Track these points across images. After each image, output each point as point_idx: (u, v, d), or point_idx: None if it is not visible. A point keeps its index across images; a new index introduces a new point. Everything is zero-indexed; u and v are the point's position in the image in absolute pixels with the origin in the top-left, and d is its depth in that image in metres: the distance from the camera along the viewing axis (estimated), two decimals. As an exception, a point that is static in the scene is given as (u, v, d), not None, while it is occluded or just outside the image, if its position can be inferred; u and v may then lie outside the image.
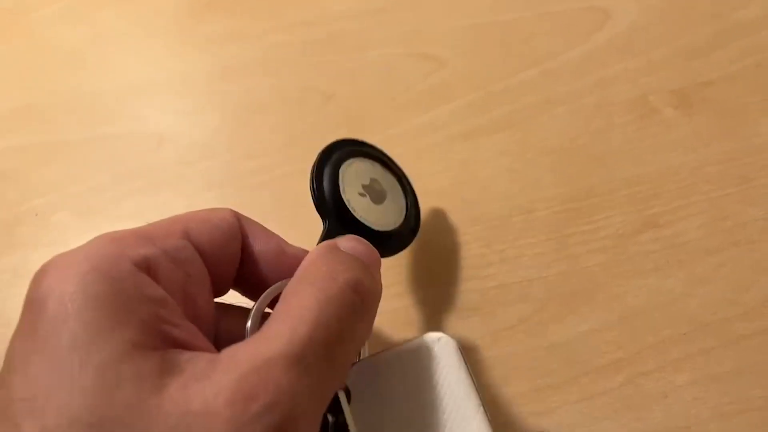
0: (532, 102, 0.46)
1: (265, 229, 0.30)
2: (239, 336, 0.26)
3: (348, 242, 0.29)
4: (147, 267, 0.24)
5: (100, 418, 0.20)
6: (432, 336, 0.30)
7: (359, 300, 0.26)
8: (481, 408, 0.29)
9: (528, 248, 0.40)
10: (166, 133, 0.50)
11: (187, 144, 0.49)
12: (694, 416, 0.34)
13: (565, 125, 0.45)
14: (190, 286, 0.26)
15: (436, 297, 0.39)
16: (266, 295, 0.27)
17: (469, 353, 0.36)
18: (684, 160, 0.42)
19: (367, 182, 0.35)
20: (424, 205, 0.40)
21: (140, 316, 0.22)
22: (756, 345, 0.35)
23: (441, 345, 0.30)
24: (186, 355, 0.23)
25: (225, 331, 0.29)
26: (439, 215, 0.42)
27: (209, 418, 0.21)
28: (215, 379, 0.21)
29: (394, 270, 0.40)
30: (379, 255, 0.30)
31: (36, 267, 0.40)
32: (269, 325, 0.24)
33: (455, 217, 0.42)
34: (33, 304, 0.23)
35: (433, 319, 0.38)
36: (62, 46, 0.56)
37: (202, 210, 0.29)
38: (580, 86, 0.46)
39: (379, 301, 0.28)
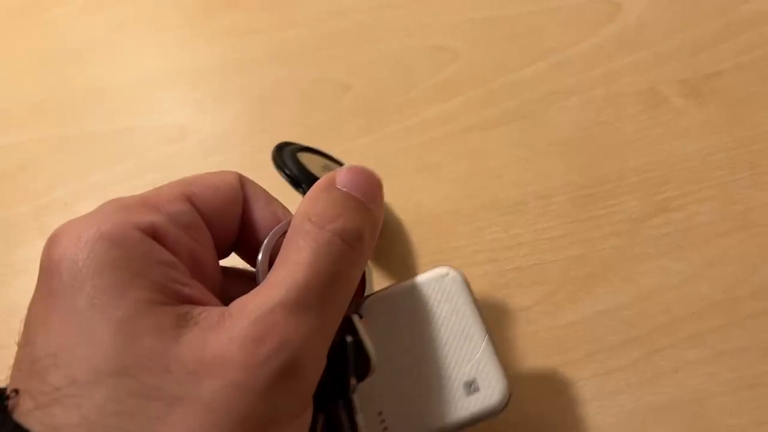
0: (544, 93, 0.47)
1: (267, 194, 0.31)
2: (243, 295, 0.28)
3: (345, 175, 0.29)
4: (153, 232, 0.25)
5: (124, 367, 0.22)
6: (440, 270, 0.32)
7: (347, 247, 0.26)
8: (487, 336, 0.30)
9: (544, 233, 0.41)
10: (185, 124, 0.51)
11: (206, 135, 0.50)
12: (704, 390, 0.35)
13: (577, 116, 0.46)
14: (196, 250, 0.27)
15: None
16: (272, 235, 0.29)
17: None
18: (694, 147, 0.43)
19: (322, 166, 0.38)
20: (439, 193, 0.42)
21: (151, 277, 0.24)
22: (763, 323, 0.37)
23: (449, 279, 0.31)
24: (198, 309, 0.24)
25: (230, 291, 0.30)
26: (453, 202, 0.43)
27: (224, 362, 0.22)
28: (227, 328, 0.23)
29: (413, 251, 0.42)
30: (379, 180, 0.29)
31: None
32: (271, 275, 0.26)
33: (470, 204, 0.43)
34: (48, 270, 0.24)
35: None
36: (80, 40, 0.57)
37: (206, 174, 0.30)
38: (591, 77, 0.48)
39: (376, 233, 0.29)
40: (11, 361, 0.38)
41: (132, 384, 0.22)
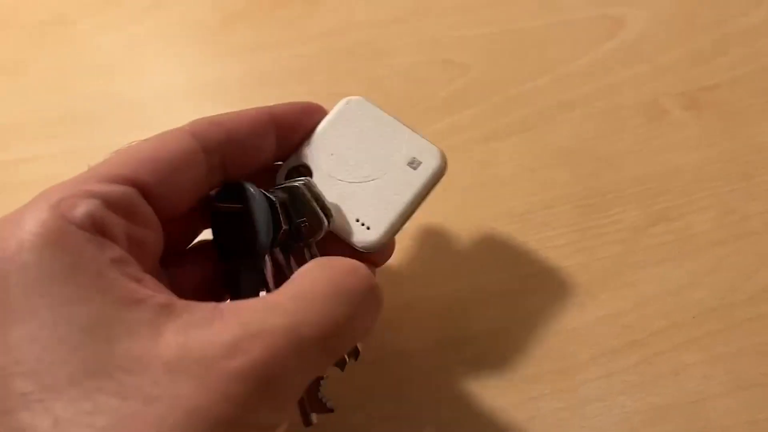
0: (548, 106, 0.49)
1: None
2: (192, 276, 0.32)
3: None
4: (93, 224, 0.24)
5: (100, 368, 0.21)
6: (341, 102, 0.37)
7: (371, 300, 0.27)
8: (403, 125, 0.36)
9: (548, 241, 0.43)
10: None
11: (224, 147, 0.52)
12: (703, 392, 0.37)
13: (580, 127, 0.48)
14: (136, 232, 0.26)
15: (462, 287, 0.42)
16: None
17: (492, 337, 0.40)
18: (691, 158, 0.45)
19: None
20: (447, 203, 0.44)
21: (110, 278, 0.23)
22: (758, 327, 0.39)
23: (352, 103, 0.37)
24: (182, 303, 0.24)
25: (179, 276, 0.31)
26: (460, 212, 0.45)
27: (205, 364, 0.22)
28: (216, 330, 0.23)
29: (417, 262, 0.44)
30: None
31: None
32: (278, 294, 0.25)
33: (476, 214, 0.45)
34: None
35: (458, 308, 0.41)
36: (102, 55, 0.59)
37: (152, 140, 0.29)
38: (593, 90, 0.50)
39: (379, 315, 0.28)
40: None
41: (108, 383, 0.21)
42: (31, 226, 0.23)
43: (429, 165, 0.35)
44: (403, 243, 0.44)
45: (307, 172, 0.35)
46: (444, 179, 0.46)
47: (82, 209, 0.24)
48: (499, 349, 0.39)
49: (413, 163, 0.35)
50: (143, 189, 0.27)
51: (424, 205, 0.46)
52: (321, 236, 0.32)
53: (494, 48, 0.53)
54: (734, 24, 0.51)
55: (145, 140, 0.29)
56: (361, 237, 0.34)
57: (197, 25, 0.59)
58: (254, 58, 0.57)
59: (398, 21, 0.56)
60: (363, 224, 0.34)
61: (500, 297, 0.41)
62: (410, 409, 0.38)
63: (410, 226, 0.45)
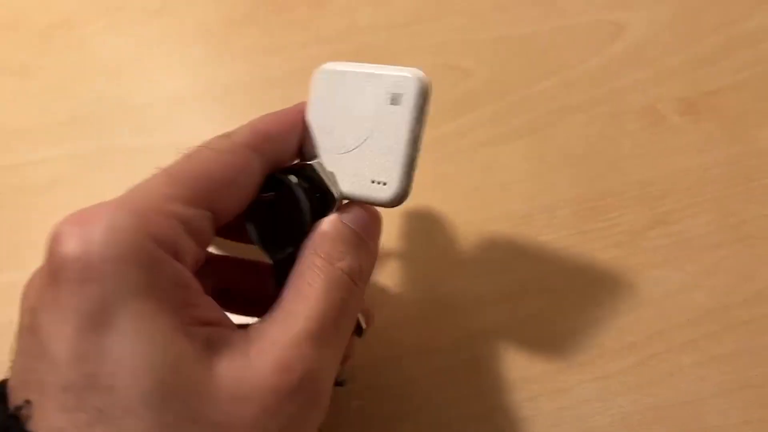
0: (550, 110, 0.50)
1: None
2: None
3: (351, 214, 0.31)
4: (170, 247, 0.25)
5: (170, 391, 0.23)
6: (313, 75, 0.35)
7: (353, 284, 0.29)
8: (377, 69, 0.34)
9: (548, 243, 0.43)
10: (211, 139, 0.53)
11: (231, 150, 0.53)
12: (699, 392, 0.38)
13: (582, 132, 0.48)
14: (199, 255, 0.28)
15: (463, 288, 0.43)
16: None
17: (493, 337, 0.40)
18: (691, 162, 0.46)
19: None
20: (449, 204, 0.44)
21: (177, 301, 0.24)
22: (754, 330, 0.39)
23: (322, 73, 0.35)
24: (218, 332, 0.25)
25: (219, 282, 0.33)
26: (462, 214, 0.46)
27: (260, 389, 0.24)
28: (256, 356, 0.25)
29: (418, 263, 0.44)
30: (380, 219, 0.33)
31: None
32: (287, 303, 0.28)
33: (478, 216, 0.45)
34: (64, 278, 0.23)
35: (459, 309, 0.42)
36: (109, 59, 0.60)
37: (222, 156, 0.29)
38: (595, 95, 0.50)
39: (373, 268, 0.32)
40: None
41: (180, 408, 0.22)
42: (116, 236, 0.24)
43: (409, 93, 0.33)
44: (404, 244, 0.45)
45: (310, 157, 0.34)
46: (446, 181, 0.46)
47: (166, 232, 0.25)
48: (498, 349, 0.40)
49: (395, 100, 0.33)
50: (217, 215, 0.28)
51: (426, 206, 0.47)
52: (335, 209, 0.32)
53: (498, 53, 0.54)
54: (735, 29, 0.51)
55: (211, 150, 0.29)
56: (384, 195, 0.32)
57: (203, 29, 0.60)
58: (260, 62, 0.57)
59: (403, 25, 0.56)
60: (380, 183, 0.33)
61: (500, 298, 0.42)
62: (410, 409, 0.39)
63: (412, 227, 0.46)
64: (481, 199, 0.46)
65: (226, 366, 0.24)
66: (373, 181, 0.33)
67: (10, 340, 0.43)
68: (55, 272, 0.24)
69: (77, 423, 0.22)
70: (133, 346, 0.23)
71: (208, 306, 0.26)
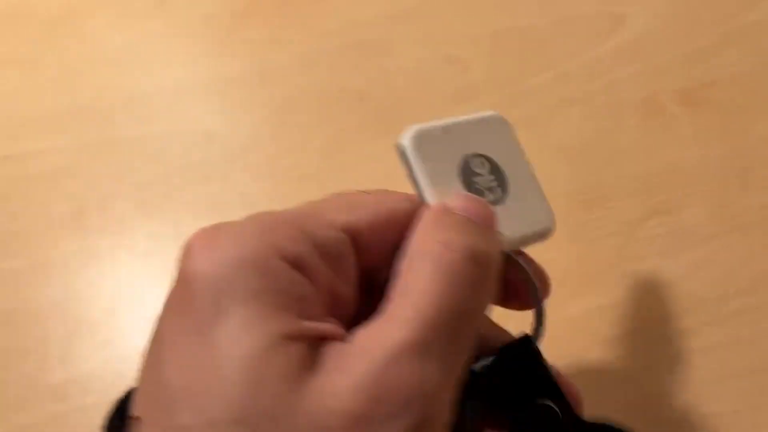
0: (550, 102, 0.50)
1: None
2: None
3: (459, 201, 0.27)
4: (298, 263, 0.23)
5: (248, 415, 0.20)
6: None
7: (480, 271, 0.24)
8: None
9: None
10: (212, 130, 0.54)
11: (231, 141, 0.53)
12: (697, 380, 0.38)
13: (580, 124, 0.49)
14: (335, 283, 0.25)
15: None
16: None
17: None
18: (688, 154, 0.46)
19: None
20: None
21: (288, 312, 0.22)
22: (748, 319, 0.40)
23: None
24: (325, 346, 0.22)
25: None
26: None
27: (349, 417, 0.20)
28: (348, 373, 0.21)
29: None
30: (493, 211, 0.28)
31: (103, 252, 0.45)
32: (391, 305, 0.23)
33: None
34: (184, 284, 0.23)
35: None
36: (113, 50, 0.60)
37: (374, 194, 0.27)
38: (593, 88, 0.51)
39: (498, 265, 0.26)
40: (55, 350, 0.42)
41: (266, 428, 0.20)
42: (239, 242, 0.23)
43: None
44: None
45: None
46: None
47: (294, 246, 0.23)
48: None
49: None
50: (356, 238, 0.25)
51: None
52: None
53: (497, 45, 0.54)
54: (734, 22, 0.52)
55: (366, 192, 0.27)
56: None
57: (206, 21, 0.60)
58: (262, 54, 0.58)
59: (403, 18, 0.57)
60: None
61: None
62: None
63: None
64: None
65: (319, 385, 0.21)
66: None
67: (11, 329, 0.44)
68: (180, 276, 0.23)
69: None
70: (228, 358, 0.21)
71: (331, 323, 0.23)
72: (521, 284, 0.29)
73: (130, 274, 0.47)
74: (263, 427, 0.20)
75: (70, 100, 0.57)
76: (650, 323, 0.40)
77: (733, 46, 0.51)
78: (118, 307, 0.45)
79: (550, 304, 0.41)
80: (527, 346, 0.29)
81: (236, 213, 0.46)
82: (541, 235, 0.32)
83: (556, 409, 0.27)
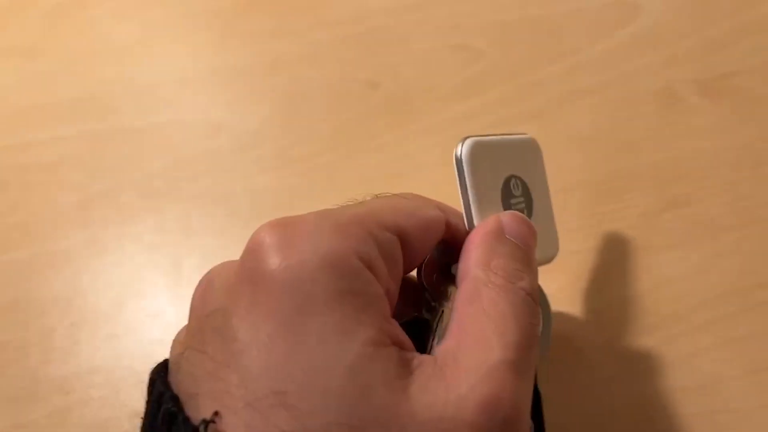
0: (562, 92, 0.50)
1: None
2: None
3: (512, 224, 0.29)
4: (368, 263, 0.24)
5: (359, 421, 0.20)
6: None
7: (534, 303, 0.26)
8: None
9: (564, 225, 0.43)
10: (219, 121, 0.53)
11: (238, 132, 0.52)
12: (716, 374, 0.37)
13: (593, 114, 0.48)
14: (389, 283, 0.26)
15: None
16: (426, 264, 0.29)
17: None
18: (705, 145, 0.45)
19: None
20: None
21: (374, 314, 0.23)
22: (770, 311, 0.39)
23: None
24: (409, 354, 0.23)
25: None
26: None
27: (460, 424, 0.21)
28: (452, 384, 0.22)
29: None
30: (536, 231, 0.30)
31: (109, 243, 0.45)
32: (471, 326, 0.25)
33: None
34: (263, 283, 0.22)
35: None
36: (117, 40, 0.60)
37: (412, 200, 0.29)
38: (608, 77, 0.50)
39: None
40: (60, 343, 0.41)
41: None
42: (316, 241, 0.23)
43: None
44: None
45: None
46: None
47: (363, 246, 0.24)
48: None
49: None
50: (404, 240, 0.27)
51: (438, 188, 0.46)
52: None
53: (509, 34, 0.53)
54: (751, 11, 0.51)
55: (401, 196, 0.29)
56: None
57: (211, 11, 0.60)
58: (268, 44, 0.57)
59: (413, 7, 0.56)
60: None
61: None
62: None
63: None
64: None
65: (420, 393, 0.22)
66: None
67: (15, 321, 0.43)
68: (253, 274, 0.23)
69: None
70: (326, 362, 0.21)
71: (395, 325, 0.24)
72: None
73: (136, 266, 0.46)
74: (373, 431, 0.20)
75: (75, 90, 0.57)
76: (670, 317, 0.39)
77: (750, 36, 0.50)
78: (123, 301, 0.45)
79: (568, 298, 0.41)
80: None
81: (244, 204, 0.46)
82: (545, 261, 0.34)
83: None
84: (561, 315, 0.40)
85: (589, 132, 0.47)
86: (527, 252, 0.28)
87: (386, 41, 0.55)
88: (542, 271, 0.41)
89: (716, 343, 0.38)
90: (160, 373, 0.24)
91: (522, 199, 0.33)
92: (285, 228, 0.24)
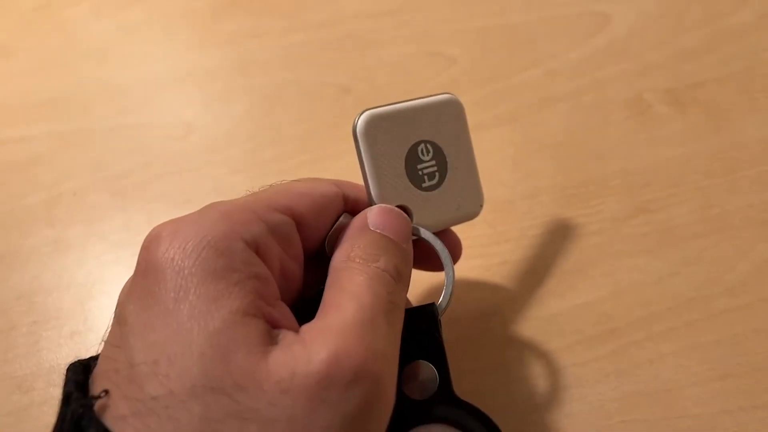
0: (535, 99, 0.50)
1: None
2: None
3: (377, 216, 0.31)
4: (254, 245, 0.26)
5: (219, 383, 0.22)
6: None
7: (395, 279, 0.28)
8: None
9: (529, 230, 0.43)
10: (191, 122, 0.53)
11: (210, 133, 0.52)
12: (677, 381, 0.37)
13: (565, 121, 0.48)
14: (285, 261, 0.28)
15: (440, 274, 0.42)
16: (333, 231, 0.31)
17: (474, 321, 0.40)
18: (675, 153, 0.45)
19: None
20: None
21: (246, 288, 0.24)
22: (734, 319, 0.39)
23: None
24: (277, 331, 0.25)
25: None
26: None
27: (313, 380, 0.22)
28: (308, 344, 0.24)
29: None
30: (408, 221, 0.32)
31: (74, 242, 0.44)
32: (332, 300, 0.27)
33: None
34: (150, 271, 0.24)
35: (436, 295, 0.41)
36: (91, 41, 0.60)
37: (305, 182, 0.31)
38: (580, 85, 0.50)
39: (410, 268, 0.31)
40: (21, 341, 0.40)
41: (227, 402, 0.22)
42: (200, 229, 0.25)
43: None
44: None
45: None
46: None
47: (247, 227, 0.26)
48: (477, 335, 0.39)
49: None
50: (298, 220, 0.29)
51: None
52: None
53: (483, 41, 0.53)
54: (721, 23, 0.51)
55: (296, 180, 0.31)
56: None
57: (188, 12, 0.60)
58: (244, 46, 0.57)
59: (389, 13, 0.56)
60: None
61: (480, 284, 0.41)
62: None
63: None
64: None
65: (279, 357, 0.23)
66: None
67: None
68: (144, 266, 0.25)
69: (137, 412, 0.22)
70: (192, 329, 0.23)
71: (280, 308, 0.26)
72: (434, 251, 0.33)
73: (102, 265, 0.46)
74: (233, 393, 0.22)
75: (47, 89, 0.57)
76: (632, 323, 0.39)
77: (721, 47, 0.51)
78: (87, 299, 0.44)
79: (530, 303, 0.41)
80: (429, 313, 0.31)
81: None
82: (468, 218, 0.35)
83: (435, 372, 0.31)
84: (523, 318, 0.40)
85: (559, 138, 0.47)
86: (392, 239, 0.30)
87: (361, 46, 0.55)
88: (505, 277, 0.42)
89: (678, 349, 0.38)
90: (74, 363, 0.26)
91: (433, 162, 0.33)
92: (174, 222, 0.26)
